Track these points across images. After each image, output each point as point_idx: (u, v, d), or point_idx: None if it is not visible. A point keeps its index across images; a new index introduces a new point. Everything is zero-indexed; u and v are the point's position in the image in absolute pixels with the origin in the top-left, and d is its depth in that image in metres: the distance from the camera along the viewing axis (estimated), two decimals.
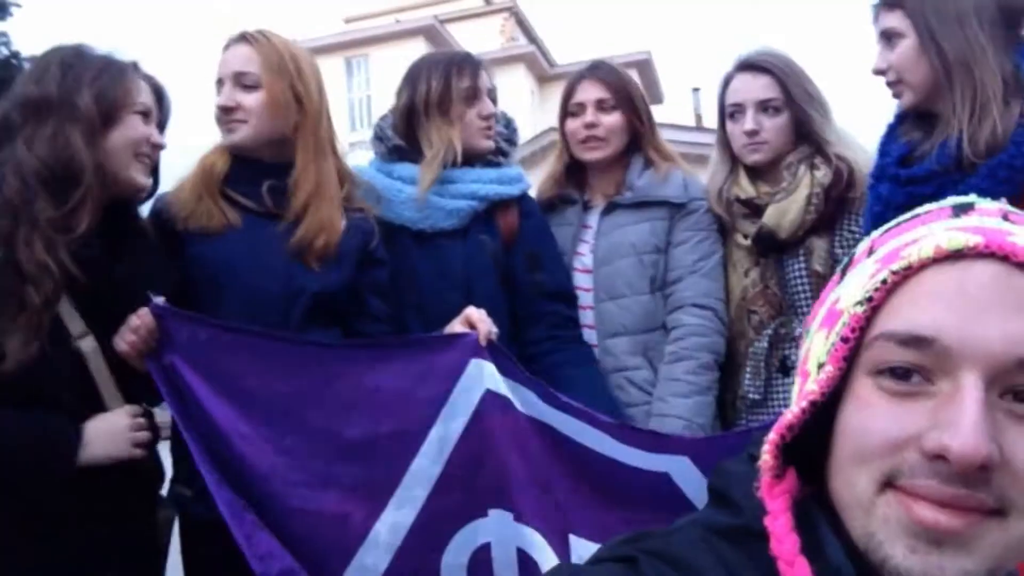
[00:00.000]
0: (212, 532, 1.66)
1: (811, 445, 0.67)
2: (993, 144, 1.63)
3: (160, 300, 1.65)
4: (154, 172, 1.88)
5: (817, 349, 0.68)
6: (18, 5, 9.65)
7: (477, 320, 1.75)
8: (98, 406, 1.69)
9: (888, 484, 0.59)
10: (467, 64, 2.20)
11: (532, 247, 2.20)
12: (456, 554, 1.67)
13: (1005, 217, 0.64)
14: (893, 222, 0.71)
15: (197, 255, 1.88)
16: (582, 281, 2.30)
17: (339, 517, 1.65)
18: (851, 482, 0.62)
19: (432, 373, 1.71)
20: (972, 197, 0.68)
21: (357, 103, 22.42)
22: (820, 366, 0.66)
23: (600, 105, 2.30)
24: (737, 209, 2.24)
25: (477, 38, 21.55)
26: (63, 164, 1.63)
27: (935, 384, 0.59)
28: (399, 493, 1.66)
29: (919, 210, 0.69)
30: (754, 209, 2.20)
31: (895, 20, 1.79)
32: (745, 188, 2.23)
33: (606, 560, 0.67)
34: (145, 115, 1.79)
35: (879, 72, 1.85)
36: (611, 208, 2.32)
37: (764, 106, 2.19)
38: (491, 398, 1.70)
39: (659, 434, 1.85)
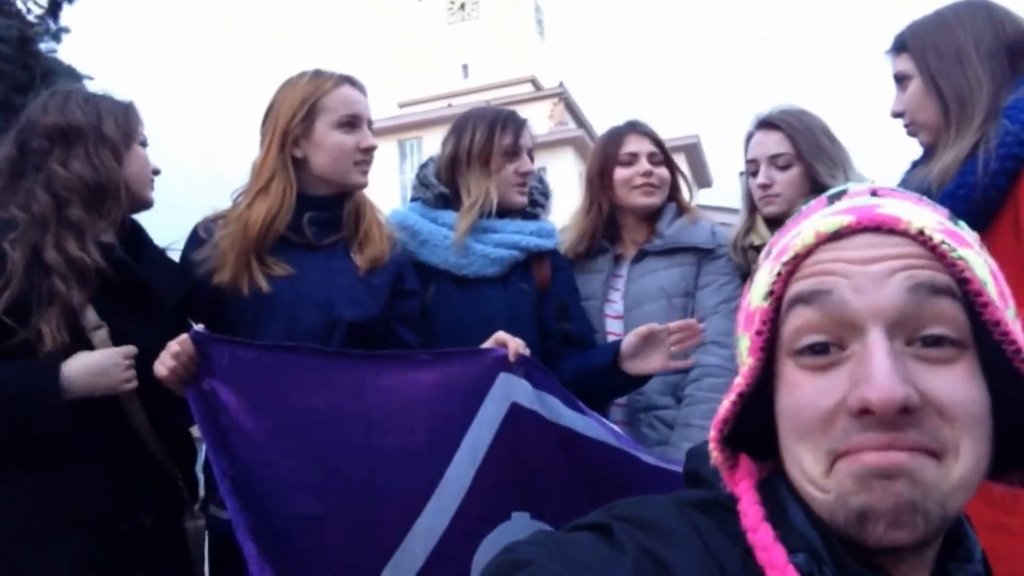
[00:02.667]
0: (239, 551, 1.70)
1: (762, 430, 0.70)
2: (944, 175, 1.65)
3: (200, 327, 1.68)
4: None
5: (742, 349, 0.72)
6: (67, 30, 10.23)
7: (507, 339, 1.79)
8: (112, 400, 1.80)
9: (835, 460, 0.62)
10: (511, 122, 2.29)
11: (561, 298, 2.27)
12: (484, 555, 1.71)
13: (874, 193, 0.70)
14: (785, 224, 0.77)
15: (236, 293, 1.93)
16: (613, 327, 2.35)
17: (377, 523, 1.68)
18: (799, 461, 0.65)
19: (463, 387, 1.76)
20: (846, 185, 0.74)
21: (409, 185, 22.96)
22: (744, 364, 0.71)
23: (651, 158, 2.41)
24: (752, 256, 2.31)
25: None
26: (102, 181, 1.84)
27: (848, 349, 0.63)
28: (434, 500, 1.70)
29: (802, 207, 0.75)
30: None
31: (902, 63, 1.84)
32: (763, 236, 2.30)
33: (581, 528, 0.69)
34: (144, 145, 2.01)
35: (897, 115, 1.89)
36: (641, 256, 2.40)
37: (775, 161, 2.29)
38: (518, 411, 1.76)
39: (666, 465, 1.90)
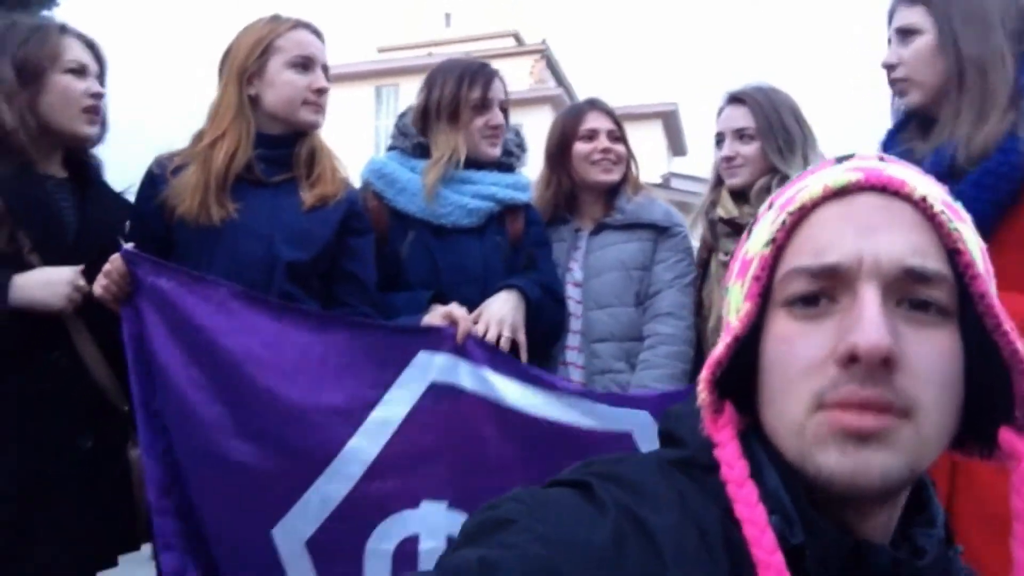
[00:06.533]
0: None
1: (743, 385, 0.73)
2: (983, 151, 1.64)
3: (129, 246, 1.73)
4: (102, 121, 2.05)
5: (735, 298, 0.74)
6: None
7: (459, 318, 1.85)
8: (69, 342, 1.85)
9: (817, 406, 0.65)
10: (480, 74, 2.30)
11: (532, 251, 2.33)
12: (381, 540, 1.69)
13: (881, 159, 0.73)
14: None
15: (185, 225, 1.94)
16: (572, 294, 2.43)
17: (274, 477, 1.67)
18: (783, 411, 0.67)
19: (375, 359, 1.76)
20: (852, 150, 0.76)
21: (384, 131, 22.68)
22: (738, 310, 0.72)
23: (610, 135, 2.50)
24: (720, 229, 2.38)
25: (507, 77, 21.68)
26: None
27: (839, 302, 0.66)
28: (334, 465, 1.68)
29: (810, 167, 0.77)
30: (736, 229, 2.32)
31: (916, 16, 1.79)
32: (729, 209, 2.37)
33: (560, 485, 0.70)
34: (77, 71, 1.96)
35: (889, 67, 1.85)
36: (600, 228, 2.50)
37: (740, 134, 2.37)
38: (439, 391, 1.75)
39: (622, 395, 1.98)
